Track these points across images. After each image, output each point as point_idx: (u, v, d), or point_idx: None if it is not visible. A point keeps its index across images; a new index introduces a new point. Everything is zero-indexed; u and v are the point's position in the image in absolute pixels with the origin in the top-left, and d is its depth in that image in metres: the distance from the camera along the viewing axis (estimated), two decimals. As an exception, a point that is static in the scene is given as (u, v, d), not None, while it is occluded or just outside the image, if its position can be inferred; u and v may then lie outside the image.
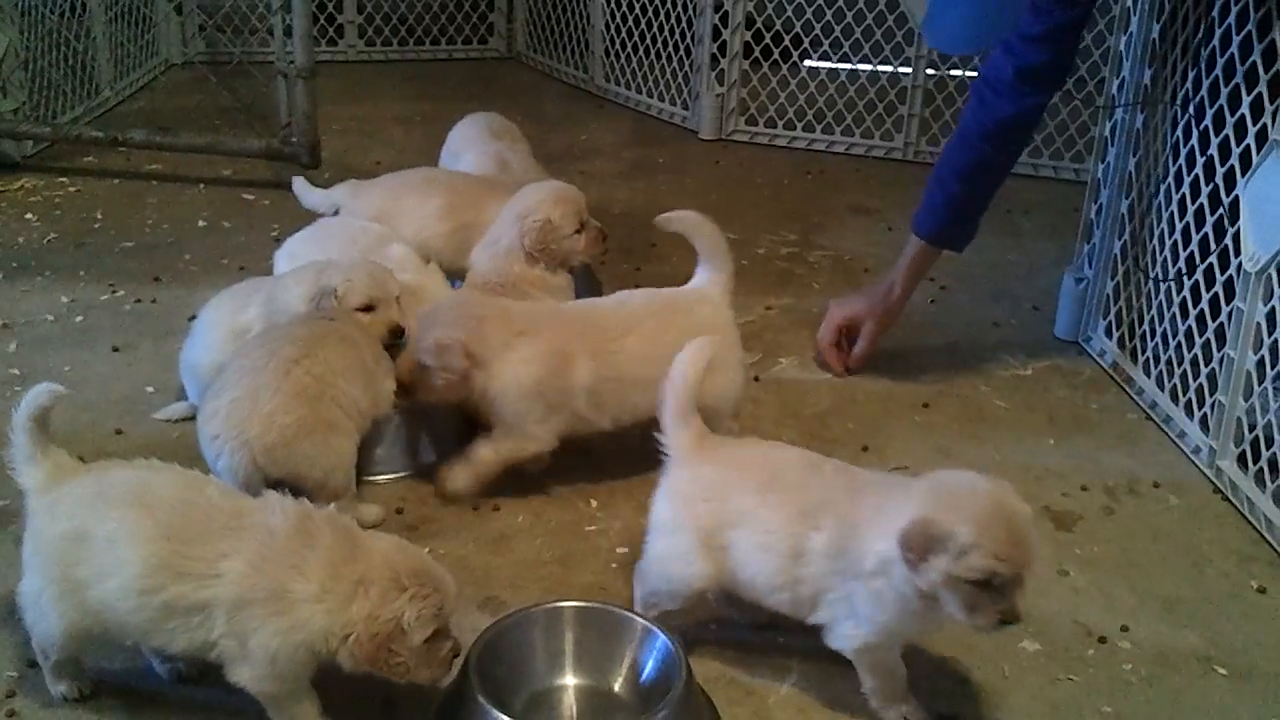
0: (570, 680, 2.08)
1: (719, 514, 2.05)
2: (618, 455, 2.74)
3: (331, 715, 1.96)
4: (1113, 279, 3.24)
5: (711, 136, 5.00)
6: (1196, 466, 2.82)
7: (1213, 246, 2.79)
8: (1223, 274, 2.75)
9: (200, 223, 3.98)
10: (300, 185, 3.44)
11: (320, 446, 2.39)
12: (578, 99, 5.52)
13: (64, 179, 4.26)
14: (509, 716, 1.86)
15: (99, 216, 3.98)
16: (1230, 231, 2.71)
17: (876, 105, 4.89)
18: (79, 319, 3.29)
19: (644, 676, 2.05)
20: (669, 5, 5.09)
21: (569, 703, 2.05)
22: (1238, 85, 2.70)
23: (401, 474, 2.68)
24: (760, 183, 4.57)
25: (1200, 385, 2.84)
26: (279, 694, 1.89)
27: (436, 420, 2.72)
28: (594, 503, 2.61)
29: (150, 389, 2.94)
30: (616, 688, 2.07)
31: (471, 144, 3.68)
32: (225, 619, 1.83)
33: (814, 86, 4.95)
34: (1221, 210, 2.75)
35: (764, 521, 2.01)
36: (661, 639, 2.04)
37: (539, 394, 2.50)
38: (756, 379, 3.14)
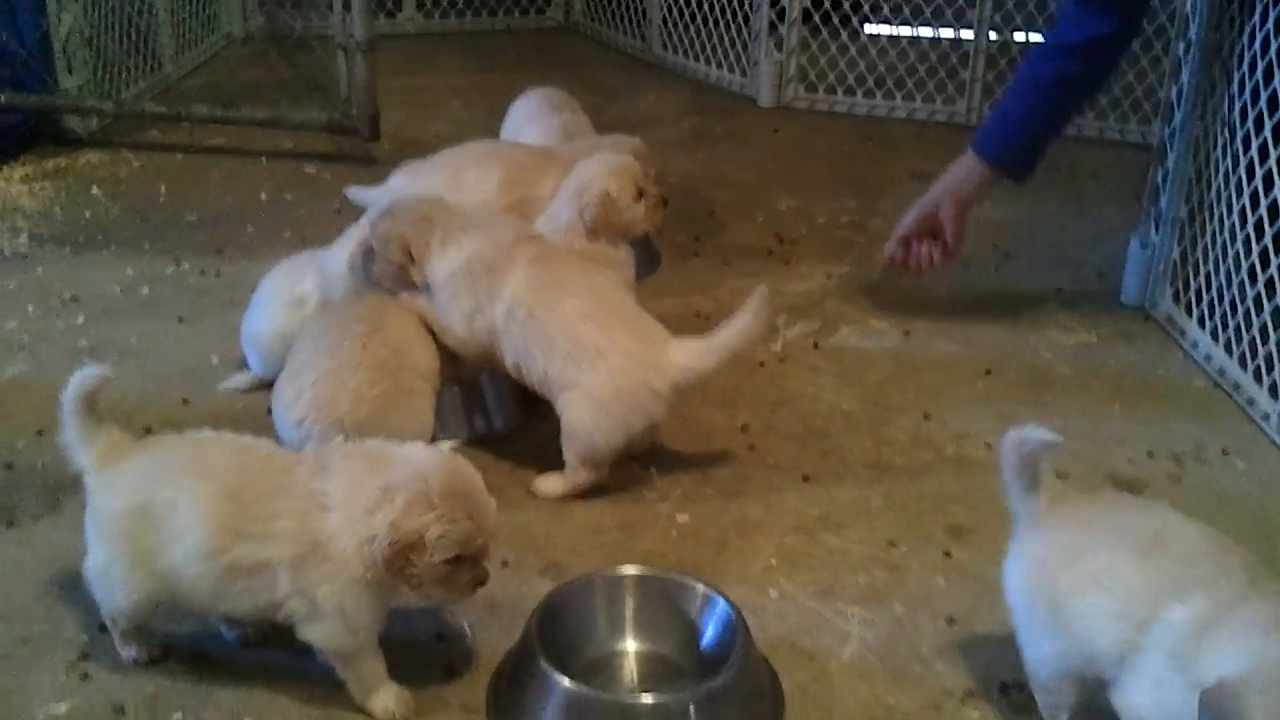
0: (631, 645, 2.08)
1: (1078, 581, 1.80)
2: (678, 423, 2.75)
3: (394, 678, 1.99)
4: (1179, 244, 3.19)
5: (770, 104, 4.97)
6: (1265, 433, 2.77)
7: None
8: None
9: (262, 196, 4.02)
10: (354, 191, 3.38)
11: (407, 417, 2.43)
12: (635, 68, 5.50)
13: (128, 154, 4.31)
14: (569, 680, 1.87)
15: (163, 190, 4.03)
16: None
17: (938, 70, 4.83)
18: (145, 291, 3.33)
19: (704, 642, 2.06)
20: (727, -28, 5.05)
21: (629, 667, 2.06)
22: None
23: (461, 440, 2.69)
24: (820, 150, 4.54)
25: (1270, 352, 2.79)
26: (350, 649, 1.91)
27: (494, 387, 2.73)
28: (654, 470, 2.61)
29: (215, 359, 2.98)
30: (676, 653, 2.07)
31: (533, 119, 3.68)
32: (289, 579, 1.86)
33: (874, 52, 4.90)
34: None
35: (1129, 586, 1.75)
36: (722, 605, 2.04)
37: (465, 282, 2.53)
38: (816, 346, 3.12)
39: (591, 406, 2.44)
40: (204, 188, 4.07)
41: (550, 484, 2.53)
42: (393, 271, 2.58)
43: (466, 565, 1.88)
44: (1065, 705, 1.88)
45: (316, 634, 1.89)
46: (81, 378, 1.96)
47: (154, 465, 1.94)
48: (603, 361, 2.44)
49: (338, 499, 1.86)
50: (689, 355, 2.47)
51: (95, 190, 4.00)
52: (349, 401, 2.37)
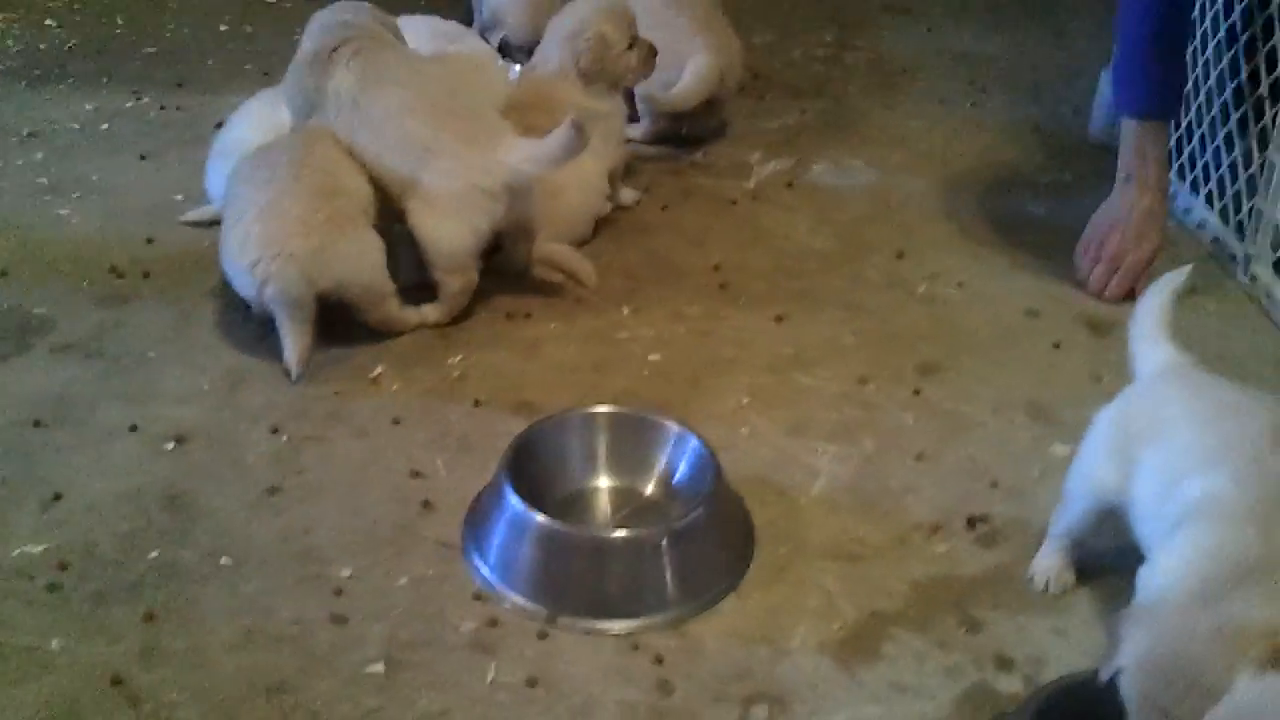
0: (604, 482, 2.11)
1: (1147, 427, 1.79)
2: (651, 264, 2.74)
3: (369, 516, 2.01)
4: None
5: (744, -66, 4.83)
6: (1232, 274, 2.79)
7: (1260, 48, 2.70)
8: (1269, 76, 2.66)
9: (222, 27, 3.91)
10: None
11: (357, 245, 2.38)
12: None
13: (82, -17, 4.18)
14: (544, 515, 1.90)
15: (120, 22, 3.91)
16: (1277, 36, 2.62)
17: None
18: (104, 126, 3.26)
19: (676, 479, 2.08)
20: None
21: (602, 504, 2.09)
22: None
23: (422, 282, 2.65)
24: (794, -18, 4.44)
25: (1238, 191, 2.78)
26: None
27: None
28: (626, 310, 2.60)
29: (179, 197, 2.92)
30: (649, 490, 2.10)
31: None
32: None
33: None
34: (1272, 10, 2.65)
35: (1182, 446, 1.71)
36: (694, 442, 2.06)
37: (293, 77, 2.56)
38: (790, 185, 3.10)
39: (430, 212, 2.45)
40: (161, 19, 3.95)
41: (432, 310, 2.53)
42: None
43: None
44: (1075, 524, 1.91)
45: None
46: None
47: None
48: (433, 161, 2.43)
49: None
50: (518, 157, 2.45)
51: (50, 21, 3.88)
52: (298, 235, 2.31)
